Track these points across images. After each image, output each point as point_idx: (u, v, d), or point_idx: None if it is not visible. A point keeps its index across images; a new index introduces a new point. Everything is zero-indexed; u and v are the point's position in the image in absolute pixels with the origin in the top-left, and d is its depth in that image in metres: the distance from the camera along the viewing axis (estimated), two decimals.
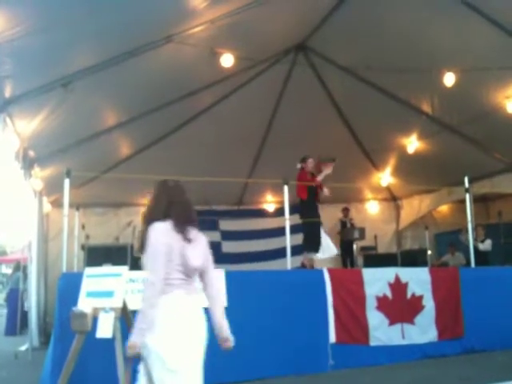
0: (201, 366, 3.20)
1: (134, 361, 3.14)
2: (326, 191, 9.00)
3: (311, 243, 8.67)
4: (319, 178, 8.89)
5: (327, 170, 8.92)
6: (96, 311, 4.78)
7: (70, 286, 5.53)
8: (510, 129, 9.38)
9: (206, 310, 3.28)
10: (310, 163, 9.00)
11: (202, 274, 3.33)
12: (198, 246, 3.24)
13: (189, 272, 3.16)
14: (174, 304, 3.09)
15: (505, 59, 7.98)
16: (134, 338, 2.99)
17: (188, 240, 3.15)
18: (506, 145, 10.23)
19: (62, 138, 8.72)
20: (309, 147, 10.65)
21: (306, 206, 8.74)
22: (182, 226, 3.16)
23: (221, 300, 3.41)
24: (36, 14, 5.58)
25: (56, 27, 5.97)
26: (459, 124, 10.09)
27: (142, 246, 3.17)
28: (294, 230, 8.22)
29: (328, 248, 8.79)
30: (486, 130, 9.86)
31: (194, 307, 3.17)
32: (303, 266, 8.80)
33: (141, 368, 3.12)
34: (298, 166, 9.00)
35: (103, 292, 4.91)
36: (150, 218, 3.22)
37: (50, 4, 5.60)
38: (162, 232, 3.12)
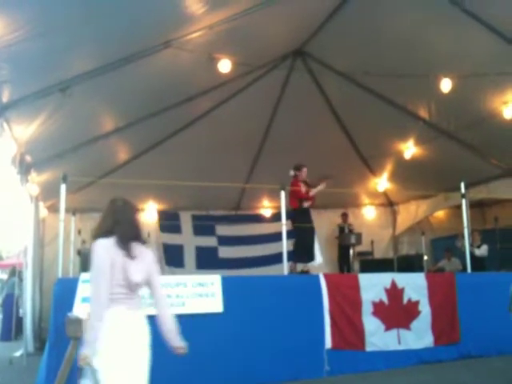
0: (144, 379, 3.33)
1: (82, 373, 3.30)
2: (322, 185, 8.98)
3: (302, 253, 8.66)
4: (312, 192, 8.89)
5: (321, 186, 8.94)
6: None
7: (65, 291, 5.52)
8: (506, 134, 9.42)
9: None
10: (304, 172, 9.00)
11: (150, 289, 3.45)
12: (142, 262, 3.35)
13: (131, 287, 3.28)
14: (114, 320, 3.20)
15: (502, 65, 8.01)
16: (85, 350, 3.13)
17: (131, 256, 3.27)
18: (503, 150, 10.27)
19: (59, 143, 8.71)
20: (306, 153, 10.69)
21: (298, 214, 8.72)
22: (125, 242, 3.29)
23: (169, 311, 3.54)
24: (34, 20, 5.58)
25: (54, 32, 5.97)
26: (456, 130, 10.12)
27: (86, 262, 3.33)
28: (291, 235, 8.23)
29: (317, 256, 8.80)
30: (482, 135, 9.90)
31: (135, 322, 3.30)
32: (302, 271, 8.80)
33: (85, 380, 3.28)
34: (292, 173, 8.99)
35: None
36: (96, 235, 3.38)
37: (48, 9, 5.60)
38: (104, 248, 3.26)
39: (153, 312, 3.40)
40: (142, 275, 3.33)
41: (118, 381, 3.16)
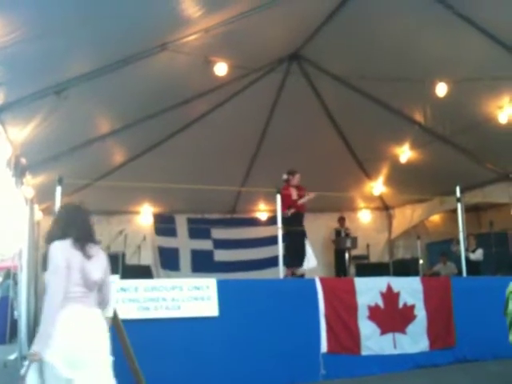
0: (103, 374, 3.40)
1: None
2: (310, 195, 9.00)
3: (294, 258, 8.66)
4: (301, 201, 8.93)
5: (311, 196, 8.97)
6: None
7: None
8: (501, 139, 9.45)
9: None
10: (297, 178, 9.05)
11: (99, 288, 3.61)
12: (98, 262, 3.56)
13: (89, 286, 3.45)
14: (70, 317, 3.33)
15: (497, 69, 8.03)
16: (36, 347, 3.21)
17: (87, 256, 3.46)
18: (498, 155, 10.30)
19: (54, 145, 8.68)
20: (302, 156, 10.71)
21: (289, 219, 8.72)
22: (81, 243, 3.48)
23: (111, 312, 3.72)
24: (30, 21, 5.56)
25: (50, 34, 5.95)
26: (451, 134, 10.15)
27: (45, 264, 3.46)
28: (284, 239, 8.21)
29: (310, 259, 8.79)
30: (477, 140, 9.93)
31: (91, 320, 3.43)
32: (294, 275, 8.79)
33: (29, 377, 3.26)
34: (285, 176, 9.03)
35: None
36: (51, 237, 3.54)
37: (45, 11, 5.58)
38: (61, 249, 3.42)
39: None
40: (100, 274, 3.53)
41: (70, 377, 3.24)
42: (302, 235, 8.89)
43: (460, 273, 8.78)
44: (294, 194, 8.85)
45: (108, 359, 3.47)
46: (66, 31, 6.05)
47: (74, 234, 3.49)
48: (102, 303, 3.63)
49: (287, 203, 8.63)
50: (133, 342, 4.98)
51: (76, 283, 3.38)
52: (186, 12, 6.70)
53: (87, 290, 3.43)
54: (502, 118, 8.86)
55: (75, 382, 3.24)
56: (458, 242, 8.67)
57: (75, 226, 3.55)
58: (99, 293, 3.61)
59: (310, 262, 8.83)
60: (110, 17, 6.24)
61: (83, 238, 3.52)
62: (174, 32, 7.21)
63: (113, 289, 3.71)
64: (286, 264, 8.61)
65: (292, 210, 8.78)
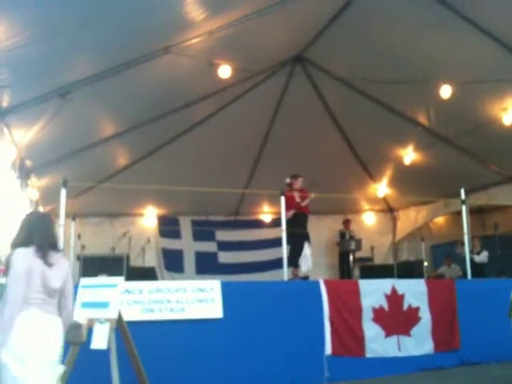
0: (50, 377, 3.51)
1: None
2: (311, 196, 9.05)
3: (295, 259, 8.69)
4: (304, 203, 8.97)
5: (311, 196, 9.04)
6: (91, 322, 4.74)
7: None
8: (505, 141, 9.42)
9: None
10: (300, 182, 9.11)
11: (60, 295, 3.70)
12: (59, 270, 3.64)
13: (49, 293, 3.55)
14: (27, 320, 3.43)
15: (501, 71, 8.02)
16: None
17: (48, 264, 3.55)
18: (502, 157, 10.27)
19: (58, 147, 8.72)
20: (306, 158, 10.71)
21: (291, 221, 8.75)
22: (43, 251, 3.56)
23: (69, 320, 3.77)
24: (33, 25, 5.59)
25: (54, 37, 5.98)
26: (455, 136, 10.13)
27: (7, 270, 3.53)
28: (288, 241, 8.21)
29: (306, 261, 8.80)
30: (482, 142, 9.90)
31: (47, 326, 3.52)
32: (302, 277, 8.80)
33: None
34: (288, 180, 9.06)
35: (98, 303, 4.88)
36: (14, 244, 3.63)
37: (48, 15, 5.61)
38: (22, 256, 3.51)
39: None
40: (60, 282, 3.61)
41: (22, 378, 3.35)
42: (304, 237, 8.88)
43: (465, 275, 8.75)
44: (296, 196, 8.87)
45: (56, 367, 3.57)
46: (70, 34, 6.09)
47: (36, 242, 3.59)
48: (65, 310, 3.72)
49: (290, 206, 8.64)
50: (137, 344, 4.98)
51: (36, 290, 3.49)
52: (190, 15, 6.72)
53: (47, 297, 3.54)
54: (506, 119, 8.84)
55: (21, 380, 3.35)
56: (462, 244, 8.64)
57: (38, 234, 3.63)
58: (63, 300, 3.71)
59: (304, 264, 8.81)
60: (113, 20, 6.28)
61: (45, 246, 3.60)
62: (177, 35, 7.23)
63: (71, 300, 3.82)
64: (290, 265, 8.63)
65: (293, 211, 8.79)
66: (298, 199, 8.89)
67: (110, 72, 7.24)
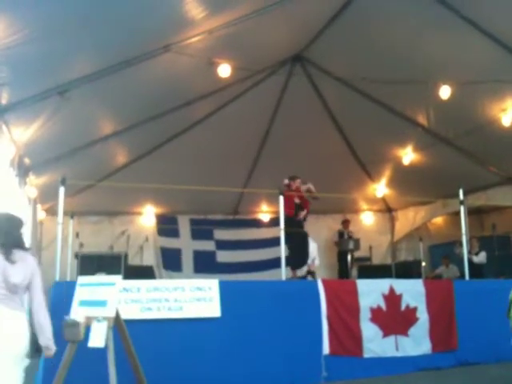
0: (16, 371, 3.64)
1: None
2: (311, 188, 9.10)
3: (298, 258, 8.70)
4: (302, 215, 9.00)
5: (309, 185, 9.12)
6: (89, 320, 4.75)
7: (62, 294, 5.50)
8: (504, 142, 9.44)
9: None
10: (298, 183, 9.10)
11: (30, 291, 3.87)
12: (22, 266, 3.79)
13: (10, 288, 3.69)
14: None
15: (501, 72, 8.03)
16: None
17: (11, 261, 3.73)
18: (501, 158, 10.29)
19: (57, 145, 8.70)
20: (305, 158, 10.71)
21: (290, 220, 8.79)
22: (5, 249, 3.76)
23: (41, 314, 3.86)
24: (33, 23, 5.58)
25: (53, 36, 5.97)
26: (455, 136, 10.15)
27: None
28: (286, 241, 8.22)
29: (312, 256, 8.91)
30: (481, 142, 9.91)
31: (12, 319, 3.64)
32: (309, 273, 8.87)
33: None
34: (286, 181, 9.05)
35: (96, 301, 4.89)
36: None
37: (47, 13, 5.60)
38: None
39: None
40: (20, 278, 3.74)
41: None
42: (303, 237, 8.90)
43: (463, 276, 8.76)
44: (295, 198, 8.88)
45: (21, 361, 3.68)
46: (69, 32, 6.08)
47: (0, 241, 3.80)
48: (33, 302, 3.85)
49: (292, 204, 8.67)
50: (135, 343, 4.98)
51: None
52: (190, 13, 6.71)
53: (9, 293, 3.68)
54: (506, 120, 8.85)
55: None
56: (461, 245, 8.63)
57: (2, 234, 3.83)
58: (31, 293, 3.86)
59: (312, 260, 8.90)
60: (113, 19, 6.26)
61: (8, 245, 3.80)
62: (177, 33, 7.22)
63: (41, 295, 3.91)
64: (290, 265, 8.65)
65: (305, 212, 8.89)
66: (296, 200, 8.90)
67: (109, 70, 7.22)
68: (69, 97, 7.16)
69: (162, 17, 6.55)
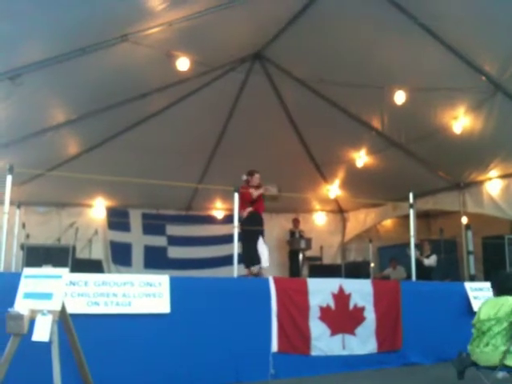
0: None
1: None
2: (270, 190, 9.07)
3: (250, 257, 8.71)
4: (256, 194, 8.90)
5: (272, 190, 9.11)
6: (33, 313, 4.61)
7: (6, 286, 5.30)
8: (454, 149, 9.71)
9: None
10: (256, 178, 9.00)
11: None
12: None
13: None
14: None
15: (454, 80, 8.25)
16: None
17: None
18: (450, 164, 10.59)
19: (6, 132, 8.43)
20: (261, 156, 10.72)
21: (247, 219, 8.77)
22: None
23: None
24: None
25: (4, 18, 5.76)
26: (407, 141, 10.38)
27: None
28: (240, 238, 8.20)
29: (263, 256, 8.87)
30: (432, 148, 10.17)
31: None
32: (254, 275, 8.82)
33: None
34: (244, 177, 9.00)
35: (42, 294, 4.74)
36: None
37: None
38: None
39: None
40: None
41: None
42: (257, 236, 8.88)
43: (409, 277, 8.96)
44: (253, 193, 8.84)
45: None
46: (22, 16, 5.88)
47: None
48: None
49: (246, 202, 8.65)
50: (81, 338, 4.86)
51: None
52: (149, 4, 6.62)
53: None
54: (457, 128, 9.08)
55: None
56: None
57: None
58: None
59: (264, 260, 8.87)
60: (69, 4, 6.10)
61: None
62: (135, 23, 7.10)
63: None
64: (244, 263, 8.64)
65: (248, 210, 8.79)
66: (254, 196, 8.86)
67: (63, 57, 7.04)
68: (20, 82, 6.93)
69: (121, 5, 6.42)
